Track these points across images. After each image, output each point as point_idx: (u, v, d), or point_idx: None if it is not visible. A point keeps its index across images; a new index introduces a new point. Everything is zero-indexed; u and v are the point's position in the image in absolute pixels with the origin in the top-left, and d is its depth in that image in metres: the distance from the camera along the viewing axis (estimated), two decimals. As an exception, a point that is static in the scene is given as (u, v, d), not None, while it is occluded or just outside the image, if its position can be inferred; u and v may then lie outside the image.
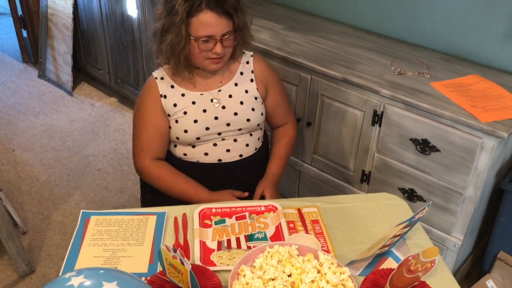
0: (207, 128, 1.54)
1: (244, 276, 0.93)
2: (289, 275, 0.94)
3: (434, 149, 1.67)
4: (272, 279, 0.92)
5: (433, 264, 0.94)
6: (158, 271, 1.10)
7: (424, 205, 1.18)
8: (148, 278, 1.09)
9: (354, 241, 1.25)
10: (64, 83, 3.58)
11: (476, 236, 1.91)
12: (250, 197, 1.62)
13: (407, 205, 1.39)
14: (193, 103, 1.54)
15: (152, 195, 1.68)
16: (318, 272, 0.95)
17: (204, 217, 1.32)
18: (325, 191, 2.12)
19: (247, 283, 0.92)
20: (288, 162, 1.74)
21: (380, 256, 1.18)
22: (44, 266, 2.14)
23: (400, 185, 1.83)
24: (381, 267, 1.13)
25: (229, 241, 1.24)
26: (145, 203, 1.75)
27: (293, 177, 2.24)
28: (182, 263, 0.91)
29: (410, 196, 1.81)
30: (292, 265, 0.96)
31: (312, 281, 0.92)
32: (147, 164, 1.56)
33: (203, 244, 1.22)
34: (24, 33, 3.84)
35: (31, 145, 3.00)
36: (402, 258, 1.15)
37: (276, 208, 1.34)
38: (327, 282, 0.92)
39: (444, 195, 1.71)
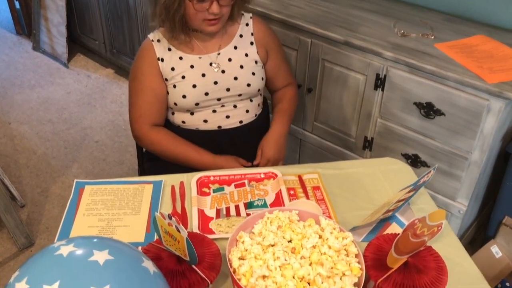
0: (206, 93, 1.49)
1: (242, 242, 0.90)
2: (290, 241, 0.91)
3: (438, 112, 1.62)
4: (272, 245, 0.89)
5: (439, 228, 0.90)
6: (154, 240, 1.07)
7: (427, 172, 1.14)
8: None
9: (356, 207, 1.21)
10: (59, 55, 3.51)
11: (481, 202, 1.88)
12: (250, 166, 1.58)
13: (411, 169, 1.35)
14: (192, 67, 1.49)
15: (150, 164, 1.64)
16: (320, 237, 0.91)
17: (202, 185, 1.28)
18: (326, 159, 2.08)
19: (246, 250, 0.88)
20: (292, 118, 1.67)
21: (384, 222, 1.15)
22: (43, 239, 2.12)
23: (404, 150, 1.79)
24: (384, 233, 1.10)
25: (228, 209, 1.20)
26: (142, 172, 1.72)
27: (293, 145, 2.20)
28: (178, 231, 0.87)
29: (414, 162, 1.77)
30: (293, 231, 0.92)
31: (314, 247, 0.88)
32: (146, 130, 1.50)
33: (201, 213, 1.19)
34: (17, 4, 3.76)
35: (27, 118, 2.95)
36: (406, 223, 1.12)
37: (276, 175, 1.30)
38: (329, 247, 0.88)
39: (449, 160, 1.67)
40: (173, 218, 0.87)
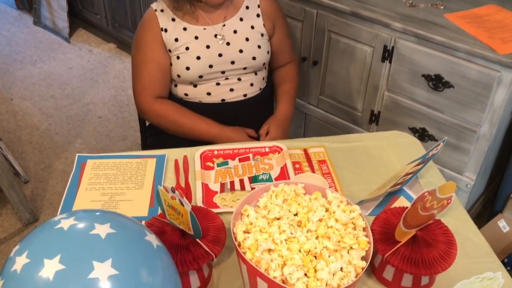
0: (211, 66, 1.45)
1: (247, 216, 0.88)
2: (295, 214, 0.89)
3: (447, 85, 1.58)
4: (277, 219, 0.87)
5: (449, 201, 0.88)
6: (158, 214, 1.05)
7: (436, 144, 1.11)
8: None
9: (363, 180, 1.19)
10: (61, 30, 3.46)
11: (489, 176, 1.85)
12: (256, 138, 1.56)
13: (419, 142, 1.32)
14: (196, 38, 1.45)
15: (153, 139, 1.62)
16: (326, 210, 0.89)
17: (206, 159, 1.26)
18: (332, 134, 2.01)
19: (251, 223, 0.86)
20: (296, 101, 1.66)
21: (391, 195, 1.13)
22: (47, 215, 2.11)
23: (411, 124, 1.75)
24: (392, 206, 1.08)
25: (232, 183, 1.18)
26: (145, 147, 1.70)
27: (298, 120, 2.17)
28: (182, 204, 0.85)
29: (421, 135, 1.74)
30: (299, 204, 0.90)
31: (320, 220, 0.86)
32: (151, 103, 1.47)
33: (205, 187, 1.17)
34: (16, -22, 3.69)
35: (29, 94, 2.92)
36: (414, 197, 1.10)
37: (281, 149, 1.28)
38: (336, 220, 0.86)
39: (457, 134, 1.64)
40: (176, 191, 0.85)
